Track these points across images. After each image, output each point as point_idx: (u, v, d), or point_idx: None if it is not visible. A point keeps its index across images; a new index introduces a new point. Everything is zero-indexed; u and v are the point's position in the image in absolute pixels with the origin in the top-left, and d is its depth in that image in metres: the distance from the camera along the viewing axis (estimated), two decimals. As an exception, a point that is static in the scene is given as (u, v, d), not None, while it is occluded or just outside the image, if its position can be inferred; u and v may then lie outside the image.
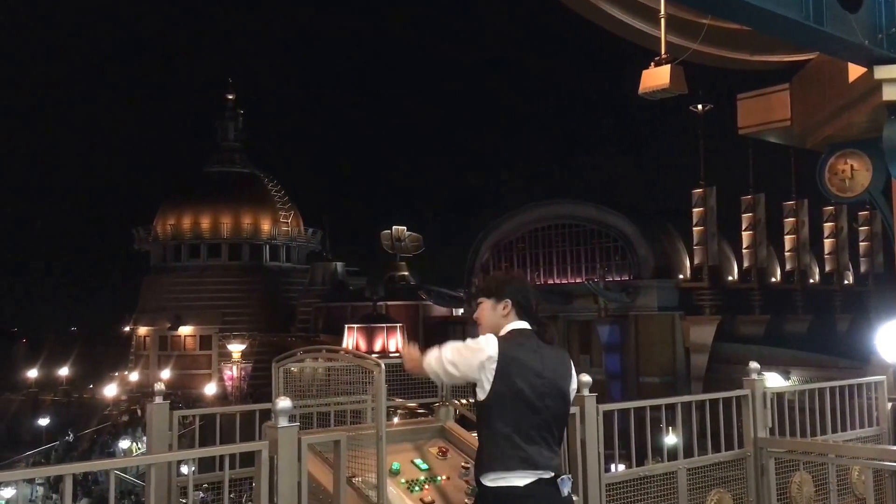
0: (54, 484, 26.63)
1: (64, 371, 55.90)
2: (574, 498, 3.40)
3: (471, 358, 3.29)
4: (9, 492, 23.23)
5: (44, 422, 43.25)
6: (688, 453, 5.13)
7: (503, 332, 3.39)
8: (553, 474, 3.21)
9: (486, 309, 3.48)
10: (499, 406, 3.22)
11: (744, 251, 37.97)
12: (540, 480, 3.16)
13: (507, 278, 3.56)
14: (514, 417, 3.20)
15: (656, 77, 7.07)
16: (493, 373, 3.23)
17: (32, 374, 55.71)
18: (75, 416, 47.54)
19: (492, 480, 3.18)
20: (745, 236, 37.66)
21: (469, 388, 5.06)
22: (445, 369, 3.38)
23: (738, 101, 9.94)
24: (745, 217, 37.69)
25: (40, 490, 24.75)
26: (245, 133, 64.66)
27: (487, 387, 3.24)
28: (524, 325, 3.40)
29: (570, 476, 3.48)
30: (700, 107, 36.65)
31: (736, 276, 39.66)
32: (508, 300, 3.41)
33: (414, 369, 3.58)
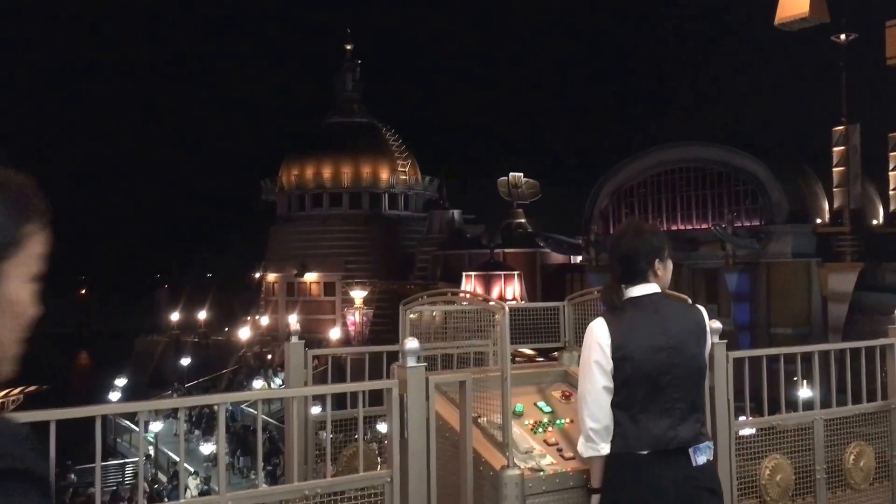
0: (196, 420, 28.99)
1: (202, 315, 60.10)
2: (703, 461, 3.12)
3: (590, 368, 3.11)
4: (157, 426, 25.60)
5: (185, 362, 47.04)
6: (825, 406, 4.88)
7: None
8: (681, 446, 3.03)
9: None
10: (623, 387, 3.06)
11: (891, 193, 35.10)
12: (666, 452, 3.02)
13: (608, 244, 3.37)
14: (640, 396, 3.04)
15: (795, 6, 6.54)
16: (612, 361, 3.07)
17: (174, 317, 60.34)
18: (213, 357, 51.29)
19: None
20: (893, 177, 34.76)
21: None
22: (594, 399, 3.09)
23: (887, 28, 9.01)
24: (893, 156, 34.71)
25: (185, 426, 26.99)
26: (363, 83, 65.74)
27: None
28: (635, 291, 3.16)
29: (709, 444, 3.16)
30: (843, 37, 33.63)
31: (881, 220, 36.80)
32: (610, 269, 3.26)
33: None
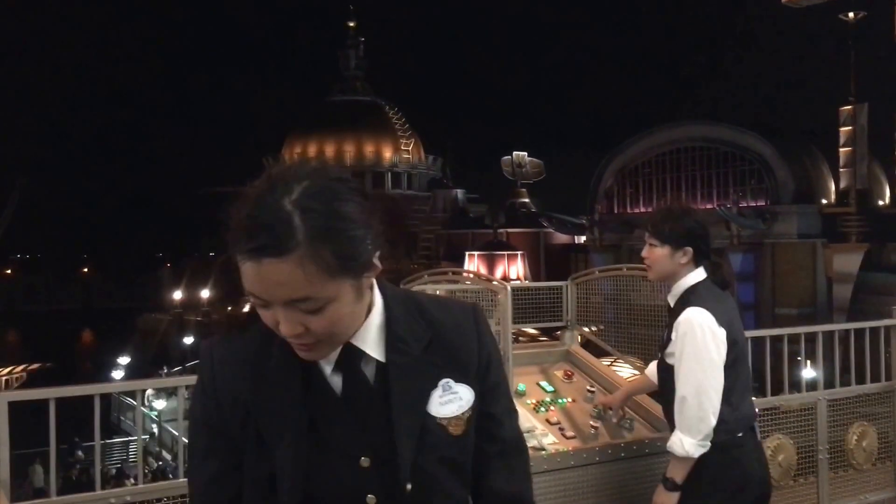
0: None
1: (205, 294, 59.98)
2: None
3: (712, 364, 2.86)
4: (160, 404, 25.63)
5: (188, 340, 46.95)
6: (828, 387, 4.86)
7: (682, 285, 3.00)
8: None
9: (661, 256, 3.05)
10: (727, 374, 2.92)
11: (898, 173, 34.95)
12: (751, 430, 3.01)
13: (687, 223, 3.03)
14: (740, 379, 2.97)
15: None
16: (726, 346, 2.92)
17: (177, 296, 60.27)
18: (216, 335, 51.22)
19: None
20: (900, 157, 34.57)
21: (595, 315, 4.97)
22: (718, 395, 2.85)
23: (897, 6, 8.82)
24: (901, 136, 34.49)
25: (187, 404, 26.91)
26: (367, 61, 65.43)
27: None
28: (700, 274, 3.00)
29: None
30: (851, 15, 33.25)
31: (887, 201, 36.64)
32: (690, 248, 2.98)
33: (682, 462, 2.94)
